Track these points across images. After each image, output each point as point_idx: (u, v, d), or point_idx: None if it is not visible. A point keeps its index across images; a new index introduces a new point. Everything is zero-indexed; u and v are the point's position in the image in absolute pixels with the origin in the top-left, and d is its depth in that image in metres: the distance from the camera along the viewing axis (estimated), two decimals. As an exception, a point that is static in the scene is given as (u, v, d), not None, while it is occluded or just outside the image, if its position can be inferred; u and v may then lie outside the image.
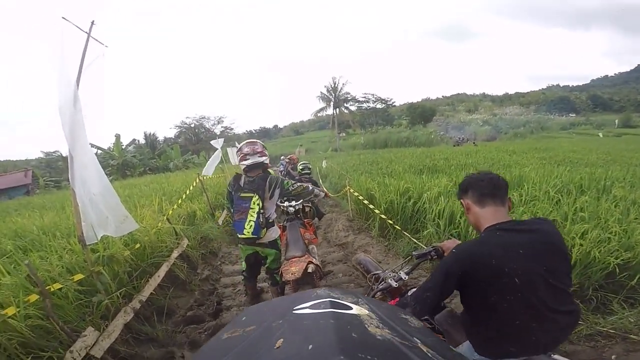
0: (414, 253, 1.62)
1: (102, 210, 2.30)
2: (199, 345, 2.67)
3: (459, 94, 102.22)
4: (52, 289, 2.11)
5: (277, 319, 0.54)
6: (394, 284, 1.56)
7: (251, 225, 2.55)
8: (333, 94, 37.88)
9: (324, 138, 46.74)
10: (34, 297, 1.99)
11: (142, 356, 2.45)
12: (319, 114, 41.59)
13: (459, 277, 1.12)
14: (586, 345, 2.09)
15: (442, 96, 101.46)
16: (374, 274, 1.96)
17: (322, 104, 39.07)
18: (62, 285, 2.23)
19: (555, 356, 1.23)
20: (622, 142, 20.34)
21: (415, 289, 1.31)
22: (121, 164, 22.65)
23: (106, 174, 2.45)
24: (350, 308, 0.55)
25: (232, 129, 38.78)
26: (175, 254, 3.68)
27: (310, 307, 0.56)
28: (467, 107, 65.41)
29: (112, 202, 2.39)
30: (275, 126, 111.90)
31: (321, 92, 38.48)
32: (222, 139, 8.94)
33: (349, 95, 39.94)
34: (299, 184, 2.78)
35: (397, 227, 3.99)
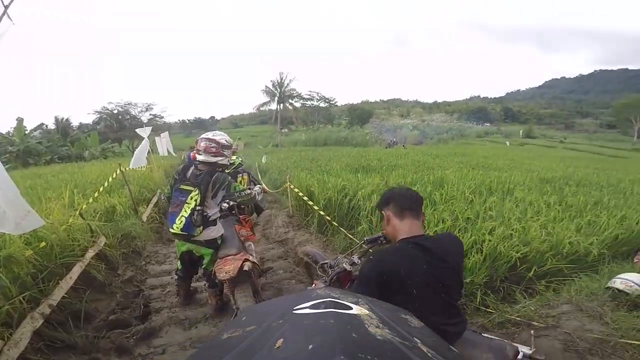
0: (365, 238, 1.74)
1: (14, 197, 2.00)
2: (127, 351, 2.46)
3: (395, 99, 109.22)
4: None
5: (277, 319, 0.54)
6: (348, 267, 1.63)
7: (182, 221, 2.39)
8: (278, 89, 37.57)
9: (265, 133, 46.09)
10: None
11: (60, 365, 2.15)
12: (261, 108, 40.89)
13: (377, 281, 1.20)
14: (499, 332, 2.31)
15: (380, 99, 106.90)
16: (325, 263, 2.02)
17: (266, 98, 38.62)
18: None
19: (485, 335, 1.40)
20: (524, 151, 23.88)
21: None
22: (22, 150, 19.60)
23: (2, 162, 2.05)
24: (351, 308, 0.55)
25: (162, 117, 36.72)
26: (90, 253, 3.26)
27: (310, 307, 0.56)
28: (400, 112, 69.65)
29: (10, 195, 2.00)
30: (212, 117, 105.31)
31: (266, 86, 38.15)
32: (150, 128, 8.42)
33: (294, 92, 39.90)
34: (247, 192, 2.69)
35: (334, 223, 4.10)
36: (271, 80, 38.13)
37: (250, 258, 2.58)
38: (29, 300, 2.33)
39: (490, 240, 2.88)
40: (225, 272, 2.34)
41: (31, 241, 2.81)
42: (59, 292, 2.58)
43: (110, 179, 5.34)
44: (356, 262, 1.64)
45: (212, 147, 2.46)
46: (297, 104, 42.60)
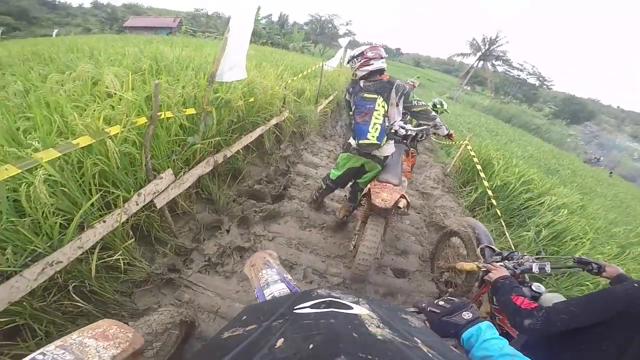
0: (576, 256, 1.56)
1: (240, 53, 2.35)
2: (247, 225, 2.71)
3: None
4: (162, 117, 2.06)
5: (278, 318, 0.54)
6: (536, 269, 1.48)
7: (377, 129, 2.18)
8: (486, 46, 34.06)
9: (444, 82, 43.49)
10: (142, 121, 1.87)
11: (194, 216, 2.54)
12: (454, 58, 37.46)
13: (615, 314, 1.04)
14: None
15: (617, 107, 78.59)
16: (492, 248, 1.86)
17: (467, 50, 35.56)
18: (172, 115, 2.19)
19: None
20: None
21: (552, 306, 1.20)
22: (252, 31, 26.45)
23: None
24: (351, 308, 0.54)
25: (355, 34, 40.47)
26: (274, 120, 3.72)
27: (310, 307, 0.55)
28: (636, 131, 50.56)
29: (242, 48, 2.44)
30: (398, 49, 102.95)
31: (474, 39, 35.58)
32: (349, 39, 9.29)
33: (503, 55, 35.28)
34: (423, 102, 2.33)
35: (498, 210, 3.43)
36: (483, 35, 34.28)
37: (407, 196, 2.38)
38: (215, 145, 2.66)
39: None
40: (382, 200, 2.18)
41: (246, 94, 3.25)
42: (238, 145, 2.97)
43: (313, 67, 5.94)
44: (547, 270, 1.48)
45: (382, 52, 2.29)
46: (500, 68, 37.63)
